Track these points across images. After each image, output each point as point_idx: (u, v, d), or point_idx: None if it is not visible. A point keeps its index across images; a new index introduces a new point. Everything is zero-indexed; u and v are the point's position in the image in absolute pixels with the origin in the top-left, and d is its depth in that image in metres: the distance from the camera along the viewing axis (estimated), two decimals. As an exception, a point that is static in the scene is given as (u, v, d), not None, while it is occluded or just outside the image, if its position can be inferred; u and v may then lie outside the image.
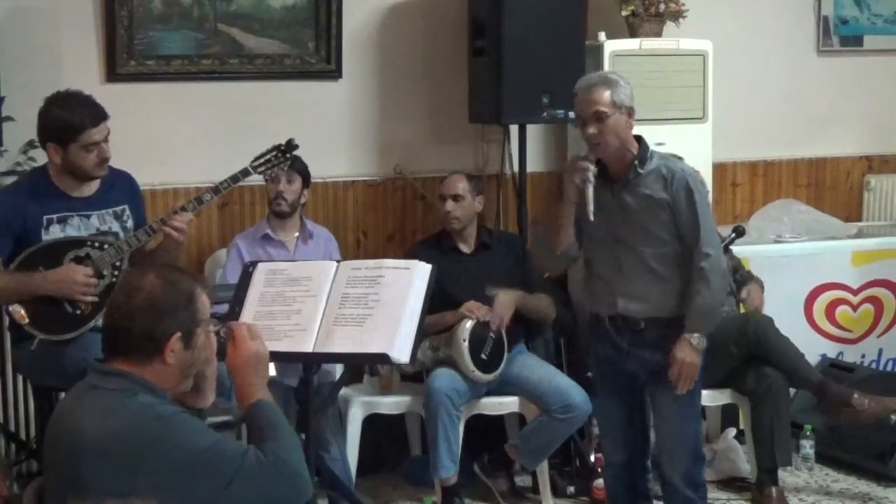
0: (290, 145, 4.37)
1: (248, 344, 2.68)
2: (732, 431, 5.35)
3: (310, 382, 3.58)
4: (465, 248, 5.07)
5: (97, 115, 4.10)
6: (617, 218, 3.92)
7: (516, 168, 5.51)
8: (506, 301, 4.86)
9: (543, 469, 4.95)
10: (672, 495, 4.08)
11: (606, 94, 3.83)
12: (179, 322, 2.51)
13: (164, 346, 2.50)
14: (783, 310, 5.31)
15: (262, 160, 4.34)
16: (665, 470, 4.08)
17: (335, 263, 3.51)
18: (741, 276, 5.22)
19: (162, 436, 2.41)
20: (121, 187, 4.31)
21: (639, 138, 3.94)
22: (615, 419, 4.16)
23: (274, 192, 4.86)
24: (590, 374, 4.45)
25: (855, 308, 5.76)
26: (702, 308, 3.87)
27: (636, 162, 3.89)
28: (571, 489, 5.08)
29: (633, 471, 4.20)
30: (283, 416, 2.64)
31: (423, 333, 3.47)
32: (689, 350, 3.86)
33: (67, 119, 4.06)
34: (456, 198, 5.00)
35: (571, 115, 5.24)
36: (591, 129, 3.83)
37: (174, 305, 2.51)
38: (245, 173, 4.29)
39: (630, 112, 3.88)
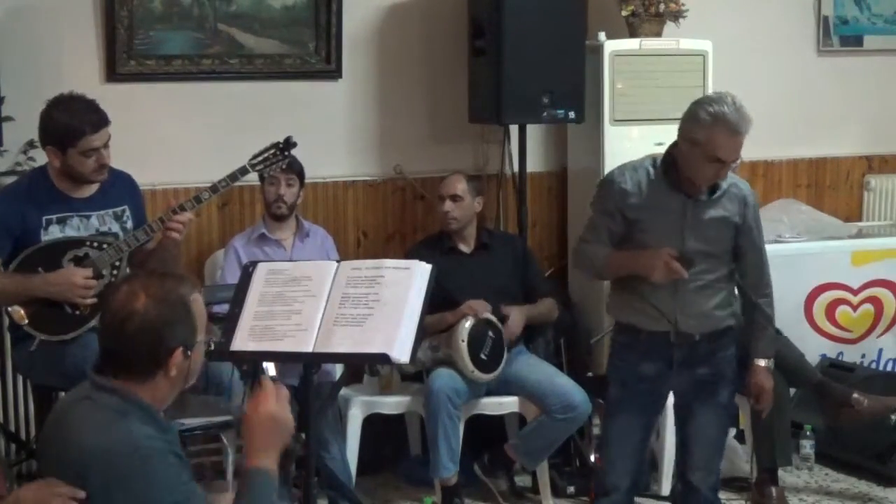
0: (289, 143, 4.37)
1: (270, 404, 2.62)
2: (732, 431, 5.34)
3: (310, 382, 3.58)
4: (465, 249, 5.07)
5: (98, 120, 4.09)
6: (688, 235, 3.85)
7: (516, 168, 5.51)
8: (518, 319, 4.90)
9: (543, 469, 4.95)
10: (699, 501, 4.07)
11: (741, 141, 3.78)
12: (180, 337, 2.50)
13: (167, 362, 2.49)
14: (783, 310, 5.28)
15: (260, 158, 4.34)
16: (696, 479, 4.05)
17: (335, 263, 3.51)
18: None
19: (135, 475, 2.40)
20: (121, 188, 4.31)
21: None
22: (633, 442, 4.05)
23: (273, 195, 4.85)
24: (608, 391, 4.15)
25: (855, 308, 5.75)
26: (770, 337, 4.02)
27: (720, 181, 3.86)
28: (571, 489, 5.09)
29: (629, 497, 4.12)
30: (268, 492, 2.57)
31: (423, 333, 3.46)
32: (768, 376, 4.01)
33: (68, 123, 4.06)
34: (454, 198, 5.00)
35: (571, 114, 5.30)
36: (724, 170, 3.79)
37: (172, 322, 2.48)
38: (243, 171, 4.29)
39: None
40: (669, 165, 3.87)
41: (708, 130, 3.70)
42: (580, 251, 4.01)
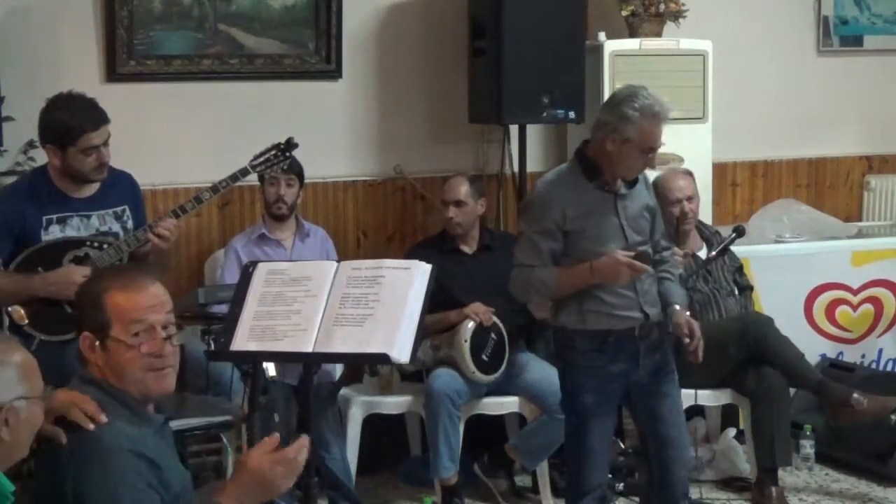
0: (290, 144, 4.37)
1: (265, 461, 2.57)
2: (732, 431, 5.35)
3: (310, 382, 3.57)
4: (467, 249, 5.07)
5: (97, 119, 4.09)
6: (627, 228, 3.91)
7: (516, 168, 5.51)
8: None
9: (543, 469, 4.96)
10: (677, 487, 4.07)
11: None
12: (89, 324, 2.58)
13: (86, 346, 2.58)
14: (783, 310, 5.31)
15: (261, 159, 4.34)
16: (675, 469, 4.05)
17: (335, 263, 3.51)
18: (744, 281, 5.22)
19: (92, 468, 2.44)
20: (121, 188, 4.31)
21: None
22: (609, 439, 4.13)
23: (274, 196, 4.84)
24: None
25: (855, 308, 5.75)
26: (679, 287, 4.11)
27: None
28: (571, 489, 5.08)
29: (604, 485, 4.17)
30: None
31: (423, 333, 3.46)
32: (689, 316, 4.04)
33: (67, 122, 4.06)
34: (458, 203, 4.99)
35: (572, 115, 5.30)
36: (652, 159, 3.90)
37: (83, 307, 2.61)
38: (244, 172, 4.29)
39: None
40: (589, 170, 3.90)
41: (638, 125, 3.79)
42: (527, 277, 3.91)
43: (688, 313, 4.05)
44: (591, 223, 3.87)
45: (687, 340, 3.97)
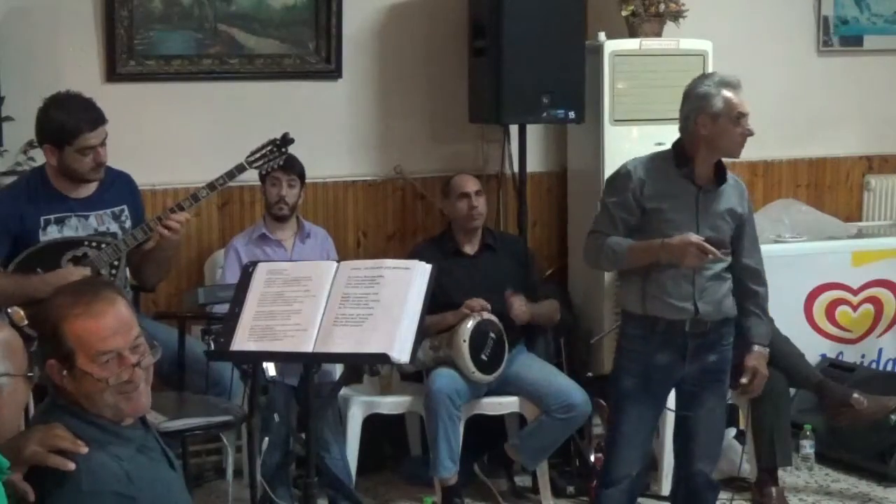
0: (286, 140, 4.37)
1: None
2: (732, 431, 5.35)
3: (310, 382, 3.58)
4: (469, 250, 5.07)
5: (95, 119, 4.09)
6: (702, 223, 3.96)
7: (516, 168, 5.51)
8: (524, 306, 4.90)
9: (543, 469, 4.95)
10: (707, 490, 4.16)
11: None
12: (48, 352, 2.50)
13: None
14: (783, 310, 5.29)
15: (257, 155, 4.34)
16: (702, 467, 4.12)
17: (335, 263, 3.51)
18: None
19: (63, 491, 2.39)
20: (119, 188, 4.31)
21: None
22: (645, 431, 4.13)
23: (276, 197, 4.84)
24: (621, 381, 4.13)
25: (855, 308, 5.75)
26: (766, 327, 4.13)
27: (725, 170, 4.03)
28: (571, 489, 5.09)
29: (639, 481, 4.21)
30: None
31: (423, 333, 3.47)
32: (764, 362, 4.09)
33: (64, 121, 4.06)
34: (478, 193, 5.02)
35: (571, 115, 5.30)
36: (748, 125, 3.95)
37: (40, 337, 2.51)
38: (241, 169, 4.29)
39: None
40: (680, 158, 4.00)
41: (721, 97, 3.91)
42: (597, 243, 4.01)
43: (765, 361, 4.10)
44: (668, 205, 3.96)
45: (744, 381, 4.08)
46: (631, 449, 4.10)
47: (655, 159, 4.06)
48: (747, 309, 4.09)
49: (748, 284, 4.09)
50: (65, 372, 2.47)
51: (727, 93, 3.91)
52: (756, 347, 4.07)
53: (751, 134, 3.97)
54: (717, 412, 4.14)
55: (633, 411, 4.08)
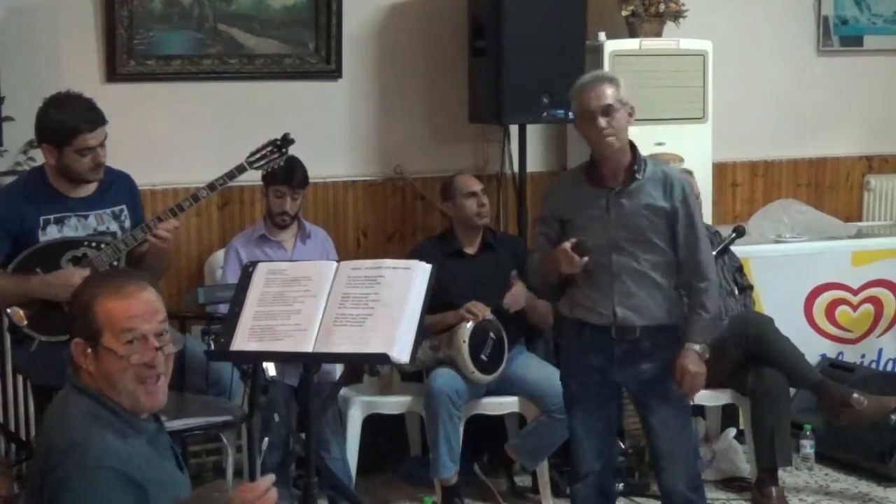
0: (286, 140, 4.37)
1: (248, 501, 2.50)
2: (732, 431, 5.35)
3: (310, 382, 3.58)
4: (470, 250, 5.07)
5: (94, 119, 4.09)
6: (615, 226, 3.91)
7: (516, 168, 5.51)
8: (522, 290, 4.88)
9: (543, 469, 4.95)
10: (672, 497, 4.07)
11: (611, 90, 3.87)
12: (80, 331, 2.57)
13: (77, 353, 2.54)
14: (783, 310, 5.31)
15: (257, 155, 4.34)
16: (667, 478, 4.06)
17: (335, 263, 3.51)
18: (744, 281, 5.22)
19: (70, 483, 2.41)
20: (119, 188, 4.31)
21: (631, 144, 3.96)
22: (597, 429, 4.10)
23: (279, 209, 4.82)
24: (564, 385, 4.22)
25: (855, 308, 5.75)
26: (704, 324, 3.94)
27: (635, 167, 3.91)
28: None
29: (606, 477, 4.18)
30: None
31: (423, 333, 3.47)
32: (695, 360, 3.90)
33: (63, 121, 4.05)
34: (483, 191, 5.04)
35: (571, 115, 5.29)
36: (603, 121, 3.84)
37: (74, 316, 2.60)
38: (241, 169, 4.29)
39: (631, 112, 3.91)
40: (589, 164, 3.99)
41: (576, 99, 3.92)
42: (531, 261, 4.19)
43: (698, 359, 3.90)
44: (580, 216, 3.96)
45: (675, 383, 3.93)
46: (585, 447, 4.11)
47: (570, 172, 4.10)
48: (688, 305, 3.97)
49: (686, 280, 3.94)
50: (89, 350, 2.53)
51: (581, 94, 3.89)
52: (687, 345, 3.90)
53: (609, 135, 3.85)
54: (670, 423, 4.02)
55: (578, 412, 4.12)
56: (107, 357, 2.52)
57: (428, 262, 3.52)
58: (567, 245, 3.86)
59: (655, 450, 4.09)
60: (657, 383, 3.96)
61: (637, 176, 3.91)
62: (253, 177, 4.55)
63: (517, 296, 4.87)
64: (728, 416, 5.42)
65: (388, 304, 3.32)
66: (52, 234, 4.13)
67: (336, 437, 4.72)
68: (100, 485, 2.42)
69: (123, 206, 4.29)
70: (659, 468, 4.09)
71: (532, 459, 4.91)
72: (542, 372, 4.91)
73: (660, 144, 4.93)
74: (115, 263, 4.08)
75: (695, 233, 3.93)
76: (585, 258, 3.86)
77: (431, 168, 5.59)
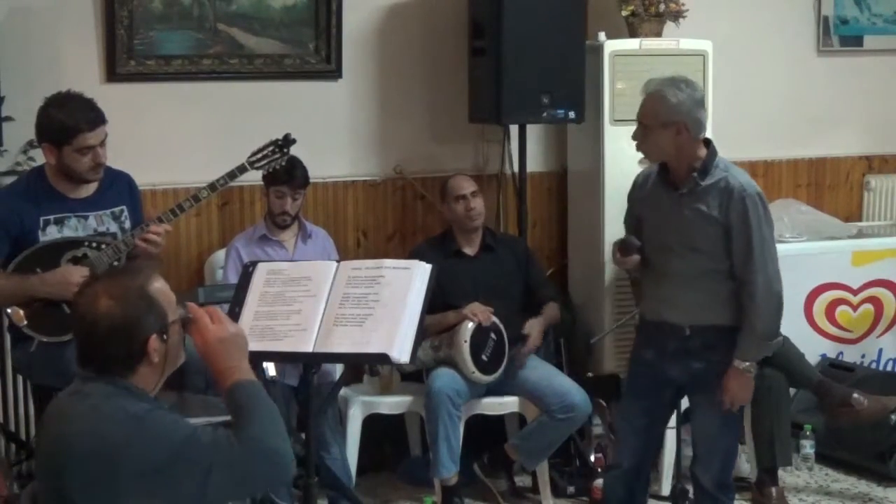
0: (287, 140, 4.37)
1: (210, 331, 2.57)
2: (733, 432, 5.35)
3: (310, 382, 3.58)
4: (469, 251, 5.07)
5: (94, 119, 4.09)
6: (671, 226, 3.96)
7: (516, 168, 5.51)
8: (538, 335, 4.96)
9: (543, 469, 4.95)
10: (701, 496, 4.13)
11: (651, 106, 3.89)
12: (150, 327, 2.48)
13: (145, 353, 2.48)
14: (783, 310, 5.30)
15: (258, 155, 4.34)
16: (697, 472, 4.10)
17: (335, 263, 3.51)
18: None
19: (137, 434, 2.38)
20: (119, 188, 4.31)
21: (707, 143, 3.94)
22: (637, 423, 4.15)
23: (280, 209, 4.83)
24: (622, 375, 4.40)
25: (855, 308, 5.75)
26: (751, 337, 3.90)
27: (696, 174, 3.89)
28: (571, 489, 5.09)
29: (637, 476, 4.20)
30: (259, 394, 2.55)
31: (423, 333, 3.47)
32: (739, 378, 3.89)
33: (63, 121, 4.05)
34: (474, 194, 5.02)
35: (571, 114, 5.31)
36: (635, 134, 3.95)
37: (137, 316, 2.47)
38: (242, 169, 4.29)
39: (682, 128, 3.84)
40: (663, 164, 4.03)
41: (693, 114, 3.91)
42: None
43: (742, 376, 3.89)
44: (648, 212, 4.07)
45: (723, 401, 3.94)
46: (624, 437, 4.23)
47: (655, 166, 4.07)
48: (742, 321, 3.93)
49: (740, 297, 3.92)
50: (164, 337, 2.51)
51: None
52: (735, 362, 3.89)
53: (639, 139, 3.93)
54: (706, 422, 4.04)
55: (624, 400, 4.33)
56: (173, 332, 2.53)
57: (427, 263, 3.52)
58: (616, 242, 4.07)
59: (694, 442, 4.17)
60: (704, 381, 3.97)
61: (698, 181, 3.89)
62: (253, 177, 4.55)
63: (535, 341, 4.94)
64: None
65: (388, 305, 3.32)
66: (52, 234, 4.13)
67: (336, 437, 4.72)
68: (165, 416, 2.44)
69: (123, 207, 4.29)
70: (694, 460, 4.15)
71: (532, 459, 4.91)
72: (542, 372, 4.91)
73: (660, 144, 4.89)
74: (116, 264, 4.08)
75: (750, 252, 3.86)
76: (635, 257, 4.01)
77: (431, 168, 5.59)
